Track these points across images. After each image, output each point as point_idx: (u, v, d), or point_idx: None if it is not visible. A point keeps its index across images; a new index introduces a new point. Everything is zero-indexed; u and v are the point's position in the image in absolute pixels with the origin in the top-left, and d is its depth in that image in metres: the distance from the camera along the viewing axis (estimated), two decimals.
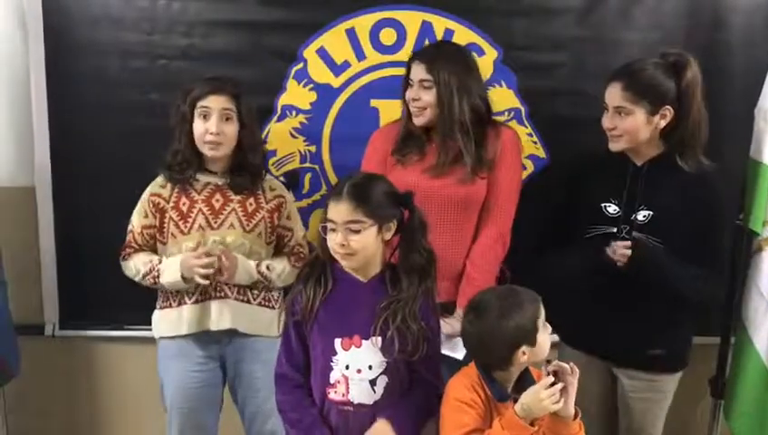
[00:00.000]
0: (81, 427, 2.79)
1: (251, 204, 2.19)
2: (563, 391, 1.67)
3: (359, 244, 1.78)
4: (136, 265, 2.19)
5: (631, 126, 2.07)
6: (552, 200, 2.31)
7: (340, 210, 1.78)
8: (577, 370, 1.69)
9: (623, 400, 2.22)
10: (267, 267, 2.20)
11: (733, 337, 2.52)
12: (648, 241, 2.08)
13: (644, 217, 2.10)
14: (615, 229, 2.12)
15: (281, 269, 2.22)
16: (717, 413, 2.58)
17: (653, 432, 2.24)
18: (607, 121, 2.12)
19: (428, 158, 2.20)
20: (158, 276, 2.15)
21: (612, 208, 2.13)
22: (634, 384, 2.19)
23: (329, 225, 1.80)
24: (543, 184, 2.53)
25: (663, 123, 2.07)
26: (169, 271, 2.13)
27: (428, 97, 2.15)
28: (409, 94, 2.19)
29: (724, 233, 2.17)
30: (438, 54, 2.18)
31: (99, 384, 2.73)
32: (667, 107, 2.06)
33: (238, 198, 2.18)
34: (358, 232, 1.78)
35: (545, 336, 1.75)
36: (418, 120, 2.19)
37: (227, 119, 2.13)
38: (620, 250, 2.03)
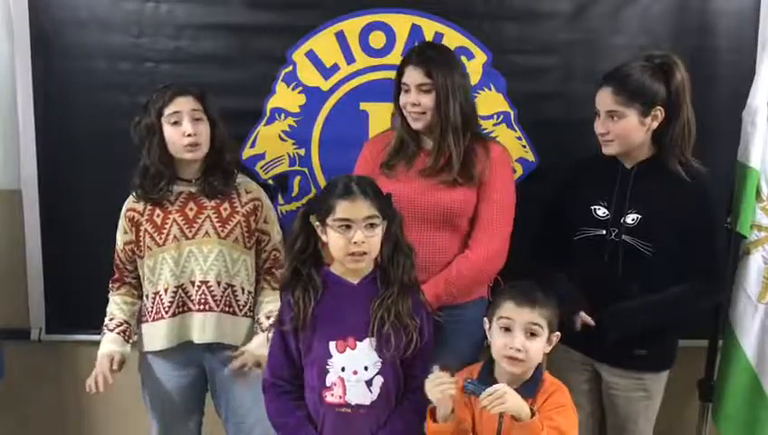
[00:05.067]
0: (67, 432, 2.77)
1: (225, 209, 2.15)
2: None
3: (375, 239, 1.79)
4: (110, 306, 2.21)
5: (624, 129, 2.07)
6: (544, 202, 2.31)
7: (358, 207, 1.77)
8: (492, 391, 1.68)
9: (608, 396, 2.21)
10: (267, 317, 2.15)
11: (721, 340, 2.53)
12: (612, 313, 2.07)
13: (633, 220, 2.10)
14: (604, 232, 2.12)
15: (274, 306, 2.13)
16: (706, 416, 2.59)
17: (640, 430, 2.22)
18: (600, 126, 2.12)
19: (417, 164, 2.17)
20: (106, 328, 2.18)
21: (602, 211, 2.14)
22: (618, 382, 2.18)
23: (337, 224, 1.77)
24: (536, 186, 2.51)
25: (655, 124, 2.08)
26: (103, 346, 2.16)
27: (427, 101, 2.11)
28: (406, 99, 2.15)
29: (719, 234, 2.16)
30: (435, 57, 2.14)
31: (85, 389, 2.70)
32: (659, 108, 2.06)
33: (212, 203, 2.14)
34: (375, 227, 1.79)
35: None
36: (416, 124, 2.15)
37: (197, 119, 2.09)
38: (581, 324, 2.06)
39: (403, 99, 2.16)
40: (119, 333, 2.17)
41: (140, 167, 2.12)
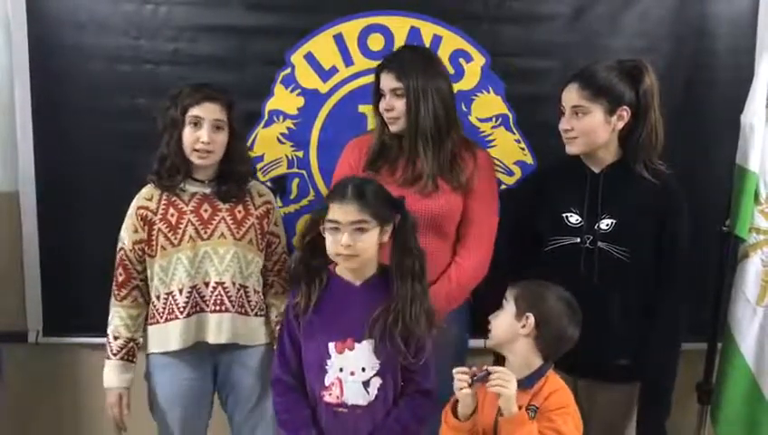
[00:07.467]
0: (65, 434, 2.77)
1: (240, 211, 2.17)
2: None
3: (364, 244, 1.81)
4: (114, 320, 2.16)
5: (589, 126, 2.04)
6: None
7: (346, 211, 1.80)
8: (495, 373, 1.71)
9: (592, 412, 2.12)
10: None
11: (720, 343, 2.52)
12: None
13: (607, 225, 2.06)
14: (578, 239, 2.08)
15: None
16: (704, 419, 2.59)
17: None
18: (564, 123, 2.08)
19: (399, 170, 2.16)
20: (110, 350, 2.15)
21: (574, 218, 2.09)
22: (602, 394, 2.12)
23: (328, 225, 1.82)
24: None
25: (620, 124, 2.04)
26: (107, 376, 2.14)
27: (400, 105, 2.11)
28: (382, 105, 2.15)
29: (687, 238, 2.09)
30: (407, 61, 2.13)
31: (83, 391, 2.70)
32: (625, 107, 2.03)
33: (227, 206, 2.15)
34: (364, 232, 1.80)
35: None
36: (394, 127, 2.15)
37: (218, 128, 2.11)
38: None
39: (381, 104, 2.16)
40: (122, 358, 2.15)
41: (159, 154, 2.12)
